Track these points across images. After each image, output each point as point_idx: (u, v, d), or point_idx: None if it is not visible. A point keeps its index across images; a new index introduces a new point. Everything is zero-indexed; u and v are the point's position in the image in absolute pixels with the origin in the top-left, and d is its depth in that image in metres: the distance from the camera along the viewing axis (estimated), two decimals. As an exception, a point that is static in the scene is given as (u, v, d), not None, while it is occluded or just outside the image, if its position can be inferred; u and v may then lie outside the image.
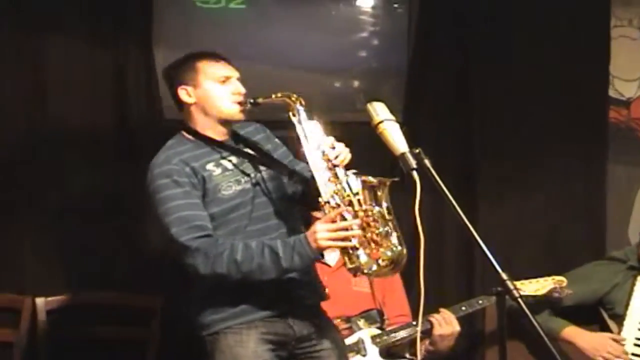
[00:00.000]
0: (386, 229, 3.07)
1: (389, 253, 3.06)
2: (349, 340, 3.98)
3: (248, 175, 3.31)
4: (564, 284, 4.08)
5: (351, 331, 4.03)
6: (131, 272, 4.59)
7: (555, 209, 4.86)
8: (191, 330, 4.42)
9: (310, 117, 3.22)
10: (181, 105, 3.40)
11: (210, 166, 3.28)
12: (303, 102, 3.24)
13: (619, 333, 4.13)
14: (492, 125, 4.79)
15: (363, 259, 3.05)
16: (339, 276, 4.13)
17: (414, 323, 4.02)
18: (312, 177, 3.16)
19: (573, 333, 4.15)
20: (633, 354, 4.04)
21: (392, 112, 2.98)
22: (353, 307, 4.07)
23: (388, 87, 4.86)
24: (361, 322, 4.05)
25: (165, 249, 3.38)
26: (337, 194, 3.10)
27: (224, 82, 3.34)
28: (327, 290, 3.79)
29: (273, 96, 3.28)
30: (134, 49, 4.55)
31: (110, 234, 4.59)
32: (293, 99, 3.25)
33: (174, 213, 3.17)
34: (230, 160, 3.32)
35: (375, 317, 4.09)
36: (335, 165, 3.14)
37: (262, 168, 3.36)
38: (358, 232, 3.04)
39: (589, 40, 4.81)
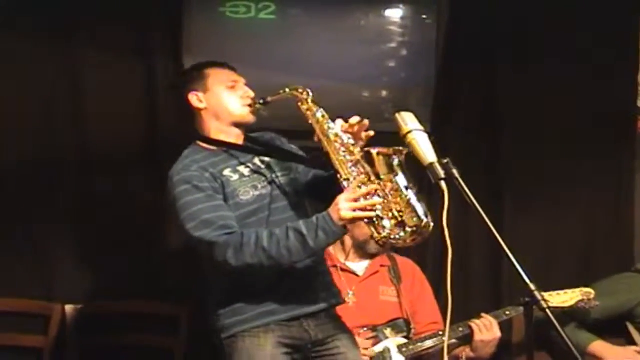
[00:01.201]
0: (407, 196, 3.06)
1: (415, 219, 3.04)
2: (375, 349, 3.99)
3: (265, 180, 3.35)
4: (592, 296, 4.06)
5: (377, 340, 4.03)
6: (159, 280, 4.61)
7: (583, 219, 4.84)
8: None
9: (319, 107, 3.28)
10: (193, 114, 3.44)
11: (227, 172, 3.31)
12: (310, 93, 3.31)
13: (644, 345, 4.12)
14: (521, 135, 4.78)
15: (388, 226, 3.05)
16: (366, 286, 4.14)
17: (441, 332, 4.02)
18: (329, 159, 3.19)
19: (600, 348, 4.12)
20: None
21: (420, 122, 2.99)
22: (380, 317, 4.07)
23: (416, 98, 4.86)
24: (388, 331, 4.05)
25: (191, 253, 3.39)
26: (354, 171, 3.13)
27: (232, 87, 3.40)
28: (350, 297, 3.82)
29: (281, 92, 3.35)
30: (164, 59, 4.58)
31: (140, 243, 4.63)
32: (300, 90, 3.32)
33: (198, 217, 3.19)
34: (248, 167, 3.36)
35: (402, 326, 4.09)
36: (350, 144, 3.18)
37: (278, 174, 3.39)
38: (379, 199, 3.04)
39: (617, 51, 4.80)
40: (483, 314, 4.10)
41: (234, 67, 3.50)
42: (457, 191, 2.77)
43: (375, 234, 3.08)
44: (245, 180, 3.32)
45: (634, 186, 4.86)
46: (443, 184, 2.80)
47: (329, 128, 3.22)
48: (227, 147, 3.38)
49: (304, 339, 3.30)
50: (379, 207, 3.05)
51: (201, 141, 3.42)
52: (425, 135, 2.94)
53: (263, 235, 3.14)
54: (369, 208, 3.04)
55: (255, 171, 3.36)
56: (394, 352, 4.00)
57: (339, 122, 3.23)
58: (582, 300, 4.04)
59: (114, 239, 4.58)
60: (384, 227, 3.05)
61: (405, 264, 4.26)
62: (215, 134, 3.41)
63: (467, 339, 4.07)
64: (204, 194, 3.22)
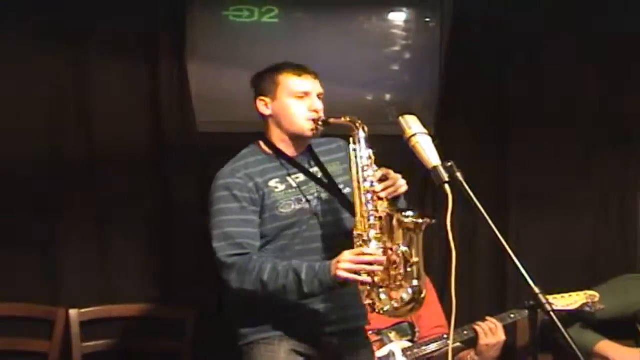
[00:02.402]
0: (409, 270, 3.08)
1: (405, 296, 3.09)
2: (379, 353, 3.98)
3: (310, 195, 3.33)
4: (596, 299, 4.05)
5: (382, 344, 4.02)
6: (164, 284, 4.62)
7: (588, 222, 4.84)
8: (223, 342, 4.49)
9: (368, 146, 3.22)
10: (262, 116, 3.42)
11: (273, 182, 3.31)
12: (366, 130, 3.25)
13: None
14: (526, 138, 4.78)
15: (382, 297, 3.11)
16: (370, 290, 4.13)
17: (445, 336, 4.01)
18: (353, 207, 3.19)
19: (607, 347, 4.12)
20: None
21: (424, 125, 2.99)
22: (384, 320, 4.05)
23: (420, 101, 4.86)
24: (392, 335, 4.05)
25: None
26: (371, 228, 3.13)
27: (301, 97, 3.34)
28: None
29: (342, 119, 3.29)
30: (167, 63, 4.57)
31: (144, 247, 4.63)
32: (357, 124, 3.25)
33: (223, 227, 3.23)
34: (296, 178, 3.34)
35: (407, 329, 4.08)
36: (379, 198, 3.16)
37: (324, 190, 3.37)
38: (379, 269, 3.06)
39: (626, 49, 4.78)
40: (488, 317, 4.09)
41: (310, 70, 3.42)
42: (462, 193, 2.77)
43: (366, 300, 3.12)
44: (290, 193, 3.32)
45: (639, 189, 4.85)
46: (447, 187, 2.80)
47: (368, 176, 3.19)
48: (280, 156, 3.37)
49: (318, 348, 3.32)
50: (378, 274, 3.08)
51: (263, 142, 3.41)
52: (429, 139, 2.94)
53: (267, 268, 3.16)
54: (366, 274, 3.06)
55: (304, 184, 3.34)
56: (399, 356, 4.00)
57: (382, 171, 3.20)
58: (586, 304, 4.04)
59: (119, 242, 4.58)
60: (377, 295, 3.11)
61: (410, 267, 4.25)
62: (275, 141, 3.38)
63: (471, 342, 4.07)
64: (238, 205, 3.25)
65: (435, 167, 2.84)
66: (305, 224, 3.29)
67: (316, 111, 3.31)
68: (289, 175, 3.34)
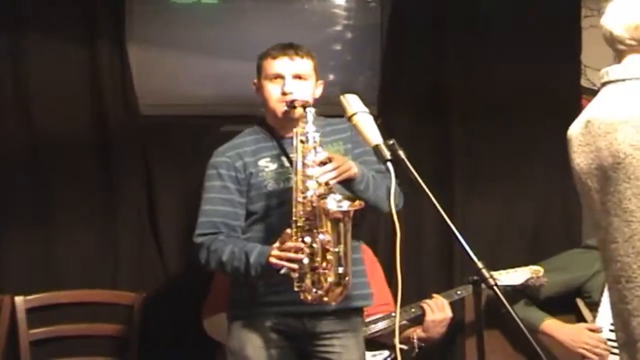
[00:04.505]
0: (330, 257, 3.11)
1: (331, 280, 3.12)
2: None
3: None
4: (540, 273, 4.10)
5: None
6: (110, 269, 4.59)
7: (532, 199, 4.88)
8: (170, 326, 4.47)
9: (315, 130, 3.22)
10: None
11: (264, 162, 3.39)
12: (314, 113, 3.25)
13: (593, 322, 4.15)
14: (469, 116, 4.80)
15: (309, 283, 3.15)
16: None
17: (394, 314, 4.03)
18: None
19: (552, 326, 4.15)
20: (609, 339, 4.04)
21: (367, 105, 3.00)
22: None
23: (363, 80, 4.87)
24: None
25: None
26: (304, 215, 3.16)
27: (274, 79, 3.39)
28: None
29: (298, 102, 3.30)
30: (107, 46, 4.52)
31: (90, 232, 4.59)
32: (307, 107, 3.26)
33: (204, 205, 3.39)
34: (289, 158, 3.37)
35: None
36: (319, 183, 3.16)
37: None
38: (305, 261, 3.11)
39: (561, 30, 4.84)
40: (434, 295, 4.12)
41: (291, 51, 3.42)
42: (407, 172, 2.76)
43: (295, 287, 3.16)
44: (281, 172, 3.38)
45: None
46: (389, 165, 2.80)
47: (309, 161, 3.19)
48: (275, 136, 3.45)
49: (297, 328, 3.38)
50: (305, 260, 3.12)
51: (262, 122, 3.51)
52: (371, 118, 2.94)
53: (226, 249, 3.28)
54: (292, 263, 3.12)
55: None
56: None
57: (324, 155, 3.19)
58: (531, 278, 4.09)
59: (63, 227, 4.54)
60: (307, 283, 3.15)
61: (356, 245, 4.26)
62: (269, 122, 3.47)
63: (418, 319, 4.09)
64: (221, 184, 3.37)
65: (376, 146, 2.84)
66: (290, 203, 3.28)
67: (285, 93, 3.35)
68: (283, 155, 3.40)
